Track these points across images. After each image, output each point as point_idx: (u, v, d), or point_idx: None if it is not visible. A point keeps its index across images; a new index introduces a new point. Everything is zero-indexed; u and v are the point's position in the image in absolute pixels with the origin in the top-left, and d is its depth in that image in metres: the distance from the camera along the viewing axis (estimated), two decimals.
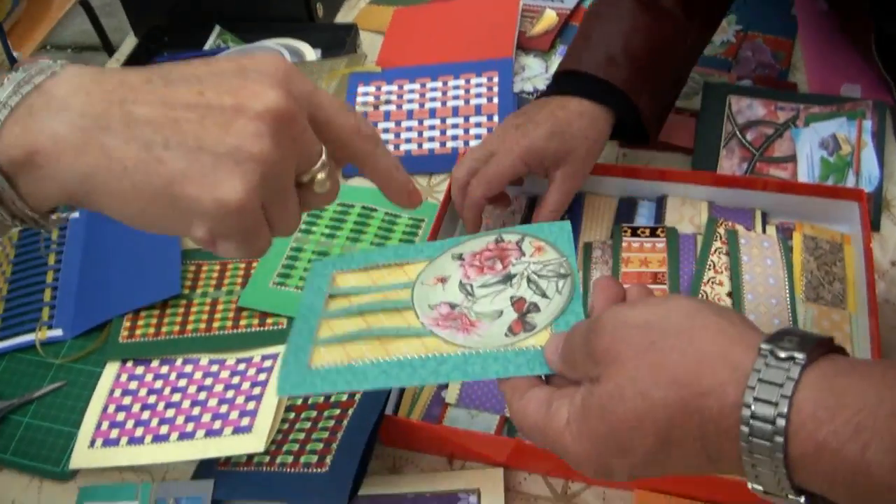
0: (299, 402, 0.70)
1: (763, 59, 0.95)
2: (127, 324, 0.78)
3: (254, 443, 0.67)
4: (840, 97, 0.86)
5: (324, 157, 0.40)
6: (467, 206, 0.75)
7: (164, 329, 0.77)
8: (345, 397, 0.68)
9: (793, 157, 0.83)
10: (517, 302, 0.50)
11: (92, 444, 0.71)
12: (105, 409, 0.73)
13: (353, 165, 0.43)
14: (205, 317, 0.78)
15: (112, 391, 0.74)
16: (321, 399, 0.68)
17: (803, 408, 0.33)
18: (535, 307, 0.49)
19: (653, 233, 0.78)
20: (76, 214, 0.89)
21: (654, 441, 0.37)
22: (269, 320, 0.77)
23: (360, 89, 0.95)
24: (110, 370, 0.76)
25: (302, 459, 0.64)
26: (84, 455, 0.70)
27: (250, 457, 0.67)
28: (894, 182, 0.82)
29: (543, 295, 0.49)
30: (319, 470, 0.62)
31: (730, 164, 0.85)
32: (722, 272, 0.74)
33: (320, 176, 0.40)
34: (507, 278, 0.51)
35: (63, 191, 0.36)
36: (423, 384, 0.50)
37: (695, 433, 0.36)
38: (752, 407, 0.34)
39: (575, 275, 0.50)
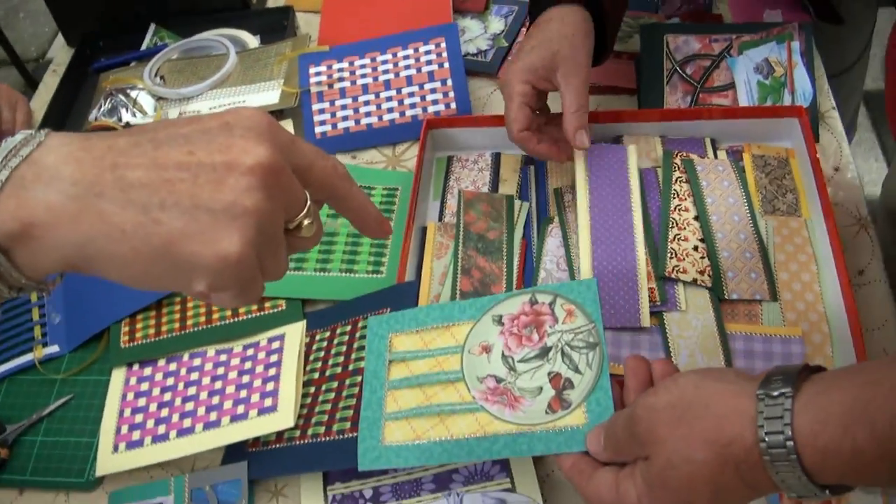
0: (317, 375, 0.72)
1: None
2: (125, 329, 0.79)
3: (282, 420, 0.69)
4: (766, 23, 0.92)
5: (309, 202, 0.42)
6: (526, 147, 0.78)
7: (164, 328, 0.78)
8: (362, 364, 0.70)
9: (731, 85, 0.89)
10: (554, 378, 0.58)
11: (115, 448, 0.71)
12: (121, 413, 0.74)
13: (329, 205, 0.45)
14: (203, 310, 0.79)
15: (124, 395, 0.75)
16: (339, 370, 0.71)
17: (802, 429, 0.42)
18: (570, 383, 0.57)
19: None
20: None
21: (708, 491, 0.46)
22: (268, 304, 0.78)
23: (312, 70, 0.96)
24: (117, 376, 0.77)
25: (335, 427, 0.67)
26: (110, 460, 0.71)
27: (280, 434, 0.69)
28: (825, 95, 0.89)
29: (576, 370, 0.58)
30: (355, 434, 0.65)
31: (674, 98, 0.90)
32: (686, 199, 0.80)
33: (306, 221, 0.42)
34: (544, 352, 0.59)
35: (61, 259, 0.36)
36: (479, 460, 0.61)
37: (734, 475, 0.45)
38: (766, 439, 0.43)
39: (602, 344, 0.58)
